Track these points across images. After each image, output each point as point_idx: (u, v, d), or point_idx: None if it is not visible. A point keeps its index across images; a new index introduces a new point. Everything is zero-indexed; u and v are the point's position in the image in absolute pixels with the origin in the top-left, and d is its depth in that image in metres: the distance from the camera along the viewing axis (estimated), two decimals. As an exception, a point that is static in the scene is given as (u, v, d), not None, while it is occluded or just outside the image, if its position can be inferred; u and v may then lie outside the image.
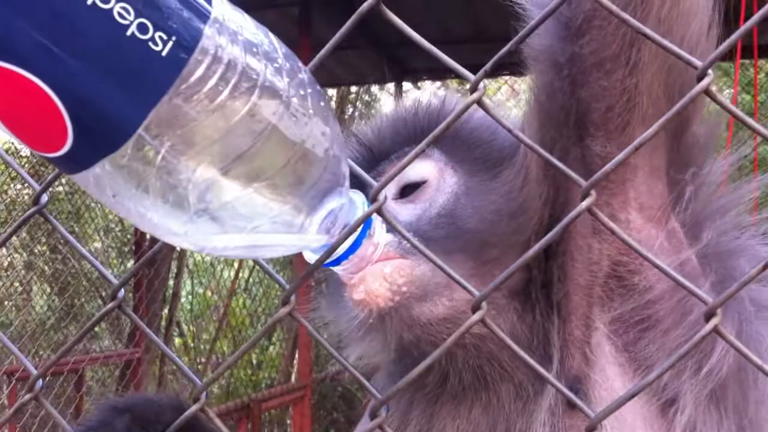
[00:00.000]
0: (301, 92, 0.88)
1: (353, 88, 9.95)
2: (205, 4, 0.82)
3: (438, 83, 8.71)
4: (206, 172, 0.82)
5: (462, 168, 1.33)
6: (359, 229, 0.99)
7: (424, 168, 1.34)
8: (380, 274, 1.20)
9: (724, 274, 1.19)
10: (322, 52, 1.01)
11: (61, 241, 8.27)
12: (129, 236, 8.97)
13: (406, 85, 8.56)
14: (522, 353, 0.94)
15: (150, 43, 0.77)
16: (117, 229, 9.48)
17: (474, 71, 0.96)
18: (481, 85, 0.95)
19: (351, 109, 10.28)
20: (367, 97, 10.51)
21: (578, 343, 1.23)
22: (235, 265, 10.14)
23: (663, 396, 1.19)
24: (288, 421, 8.82)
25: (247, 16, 0.88)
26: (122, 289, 1.09)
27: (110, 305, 1.09)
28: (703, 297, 0.88)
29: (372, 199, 0.98)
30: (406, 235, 1.00)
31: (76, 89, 0.76)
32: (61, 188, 8.52)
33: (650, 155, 1.21)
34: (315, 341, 6.99)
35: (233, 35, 0.83)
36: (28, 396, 1.09)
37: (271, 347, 10.31)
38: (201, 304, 10.42)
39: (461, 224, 1.27)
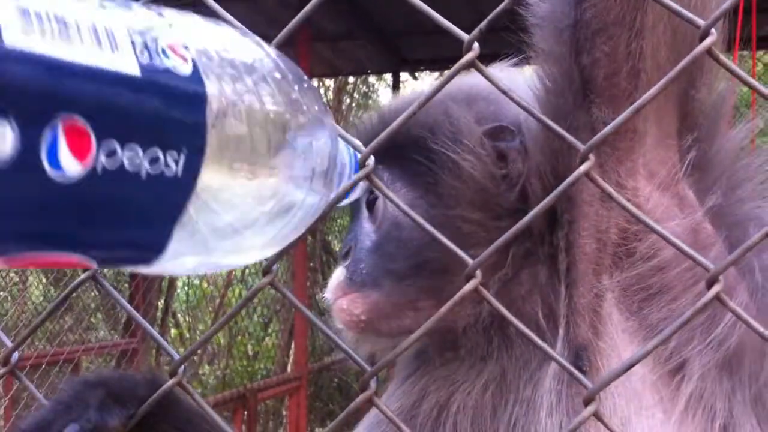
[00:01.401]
0: (302, 120, 0.83)
1: (350, 79, 9.91)
2: (196, 87, 0.73)
3: (436, 74, 8.66)
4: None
5: (404, 181, 1.35)
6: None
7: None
8: (340, 309, 1.35)
9: (735, 242, 1.16)
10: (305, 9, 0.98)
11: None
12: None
13: (404, 76, 8.53)
14: (518, 323, 0.91)
15: (165, 171, 0.71)
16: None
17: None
18: (476, 45, 0.91)
19: (348, 100, 10.24)
20: (364, 88, 10.47)
21: (584, 311, 1.20)
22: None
23: (670, 363, 1.16)
24: (284, 413, 8.80)
25: (230, 33, 0.83)
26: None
27: (83, 276, 1.06)
28: (704, 263, 0.85)
29: (360, 165, 0.95)
30: (396, 202, 0.97)
31: (96, 249, 0.73)
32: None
33: (658, 122, 1.17)
34: (312, 329, 6.96)
35: (235, 92, 0.76)
36: (3, 369, 1.05)
37: (267, 338, 10.28)
38: (197, 295, 10.37)
39: (415, 243, 1.32)
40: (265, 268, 0.97)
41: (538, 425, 1.18)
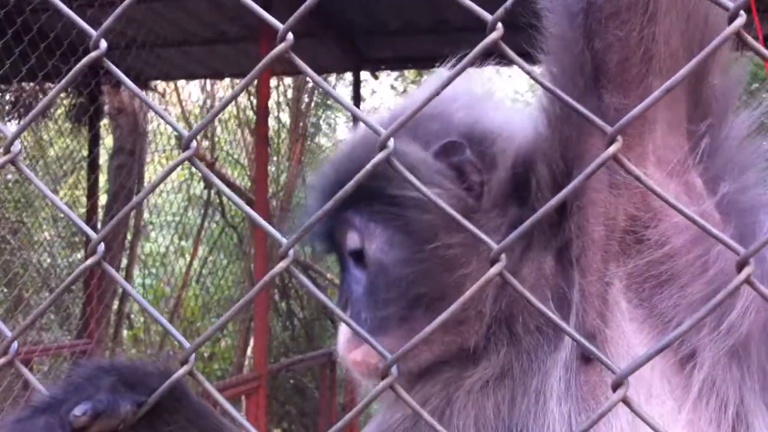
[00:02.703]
0: None
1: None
2: None
3: (396, 73, 8.66)
4: None
5: (376, 222, 1.34)
6: None
7: (352, 238, 1.37)
8: (355, 362, 1.34)
9: (745, 229, 1.16)
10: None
11: (12, 231, 8.09)
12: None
13: (364, 75, 8.50)
14: (539, 304, 0.89)
15: None
16: (66, 219, 9.28)
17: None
18: (499, 25, 0.89)
19: (307, 99, 10.18)
20: (323, 87, 10.40)
21: (593, 299, 1.19)
22: (187, 256, 10.01)
23: (680, 351, 1.16)
24: (240, 413, 8.71)
25: None
26: (101, 244, 1.03)
27: (90, 261, 1.03)
28: (734, 246, 0.84)
29: (379, 148, 0.93)
30: (418, 186, 0.95)
31: None
32: (10, 176, 8.29)
33: (669, 108, 1.17)
34: (271, 330, 6.90)
35: None
36: (3, 359, 1.02)
37: (223, 340, 10.18)
38: (154, 296, 10.25)
39: (404, 281, 1.30)
40: (282, 252, 0.94)
41: (548, 415, 1.17)
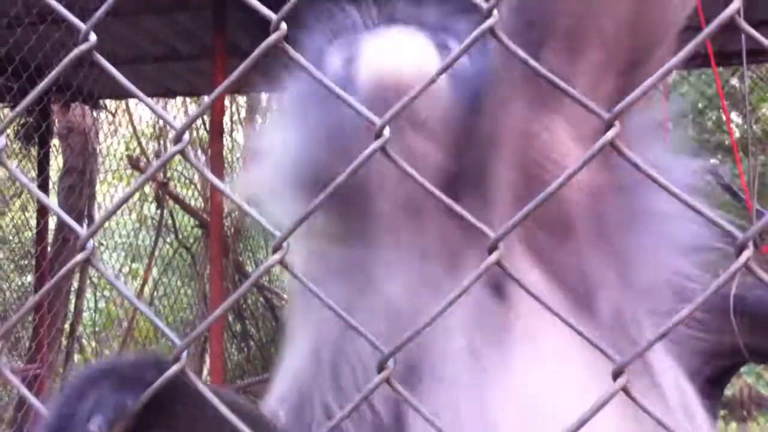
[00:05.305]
0: None
1: (263, 96, 9.80)
2: None
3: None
4: None
5: None
6: None
7: None
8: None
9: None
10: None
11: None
12: (28, 249, 8.62)
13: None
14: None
15: None
16: (14, 241, 9.13)
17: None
18: (495, 12, 0.89)
19: (260, 120, 10.13)
20: (276, 106, 10.36)
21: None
22: (139, 279, 9.86)
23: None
24: None
25: None
26: (91, 240, 1.00)
27: (80, 257, 1.00)
28: (732, 231, 0.84)
29: (376, 136, 0.91)
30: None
31: None
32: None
33: (597, 81, 1.19)
34: (227, 350, 6.81)
35: None
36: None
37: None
38: (105, 319, 10.07)
39: None
40: (276, 244, 0.92)
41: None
